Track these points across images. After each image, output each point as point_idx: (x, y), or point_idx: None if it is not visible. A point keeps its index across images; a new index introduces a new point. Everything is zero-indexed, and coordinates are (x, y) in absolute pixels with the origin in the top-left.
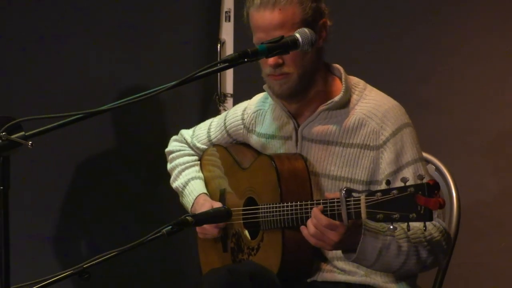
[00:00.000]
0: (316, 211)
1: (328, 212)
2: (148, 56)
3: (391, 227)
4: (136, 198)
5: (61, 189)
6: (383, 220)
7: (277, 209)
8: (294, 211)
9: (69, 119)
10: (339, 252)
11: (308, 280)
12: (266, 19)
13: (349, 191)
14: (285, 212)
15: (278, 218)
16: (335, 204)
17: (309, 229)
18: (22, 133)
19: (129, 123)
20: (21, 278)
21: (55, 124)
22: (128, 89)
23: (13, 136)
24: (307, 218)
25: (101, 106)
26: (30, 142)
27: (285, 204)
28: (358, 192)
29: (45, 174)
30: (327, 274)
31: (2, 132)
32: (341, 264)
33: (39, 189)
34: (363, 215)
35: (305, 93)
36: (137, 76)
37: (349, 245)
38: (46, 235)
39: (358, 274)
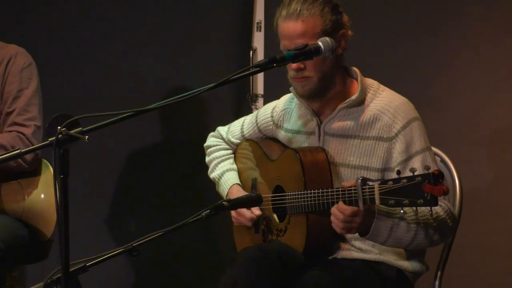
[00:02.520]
0: (336, 206)
1: (346, 199)
2: (189, 61)
3: (402, 211)
4: (179, 186)
5: (113, 178)
6: (394, 205)
7: (302, 196)
8: (316, 198)
9: (120, 116)
10: (356, 234)
11: (329, 258)
12: (290, 28)
13: (364, 180)
14: (309, 199)
15: (303, 203)
16: (352, 191)
17: (337, 225)
18: (80, 128)
19: (172, 121)
20: (78, 255)
21: (108, 120)
22: (171, 90)
23: (72, 131)
24: (328, 203)
25: (148, 105)
26: (87, 137)
27: (308, 191)
28: (372, 181)
29: (100, 165)
30: (346, 252)
31: (62, 128)
32: (358, 243)
33: (94, 177)
34: (377, 201)
35: (325, 94)
36: (179, 79)
37: (365, 227)
38: (100, 217)
39: (373, 252)
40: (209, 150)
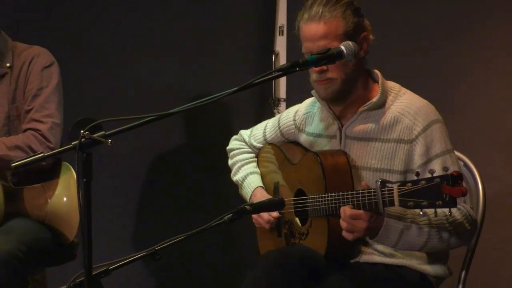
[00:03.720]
0: (342, 208)
1: (366, 201)
2: (211, 65)
3: (421, 212)
4: (201, 190)
5: (135, 181)
6: (413, 207)
7: (323, 199)
8: (337, 201)
9: (143, 120)
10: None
11: (352, 261)
12: (312, 30)
13: (383, 182)
14: (329, 202)
15: (324, 207)
16: (372, 194)
17: (342, 226)
18: (103, 132)
19: (195, 124)
20: (101, 258)
21: (131, 124)
22: (193, 94)
23: (95, 135)
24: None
25: (171, 109)
26: (110, 140)
27: (329, 194)
28: (391, 182)
29: (122, 168)
30: (368, 256)
31: (85, 132)
32: (380, 247)
33: (117, 180)
34: (396, 203)
35: (347, 97)
36: (201, 83)
37: (376, 230)
38: (122, 220)
39: (396, 257)
40: (232, 153)
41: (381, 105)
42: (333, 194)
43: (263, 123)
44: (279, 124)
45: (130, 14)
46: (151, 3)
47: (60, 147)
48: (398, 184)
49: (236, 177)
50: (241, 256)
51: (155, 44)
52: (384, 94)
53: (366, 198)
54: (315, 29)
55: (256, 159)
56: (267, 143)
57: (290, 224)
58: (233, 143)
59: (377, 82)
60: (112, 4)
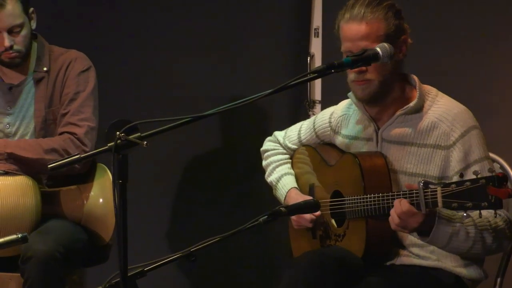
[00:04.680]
0: (399, 200)
1: (409, 203)
2: (246, 67)
3: (465, 214)
4: (236, 191)
5: (171, 183)
6: (457, 208)
7: (362, 200)
8: (376, 202)
9: (179, 122)
10: (414, 239)
11: (388, 264)
12: (353, 30)
13: (426, 183)
14: (369, 203)
15: (362, 208)
16: (414, 194)
17: (392, 217)
18: (138, 134)
19: (229, 126)
20: (136, 259)
21: (167, 126)
22: (228, 96)
23: (130, 137)
24: (388, 208)
25: (205, 111)
26: (145, 142)
27: (368, 196)
28: (434, 184)
29: (158, 170)
30: (404, 258)
31: (121, 133)
32: (416, 250)
33: (153, 182)
34: (440, 204)
35: (384, 99)
36: (236, 85)
37: (423, 229)
38: (157, 222)
39: (431, 259)
40: (266, 154)
41: (418, 109)
42: (373, 195)
43: (298, 125)
44: (314, 126)
45: (166, 16)
46: (187, 5)
47: (96, 149)
48: (442, 185)
49: (271, 178)
50: (273, 257)
51: (191, 46)
52: (422, 99)
53: (408, 198)
54: (357, 29)
55: (290, 160)
56: (302, 144)
57: (325, 225)
58: (267, 144)
59: (414, 87)
60: (149, 6)
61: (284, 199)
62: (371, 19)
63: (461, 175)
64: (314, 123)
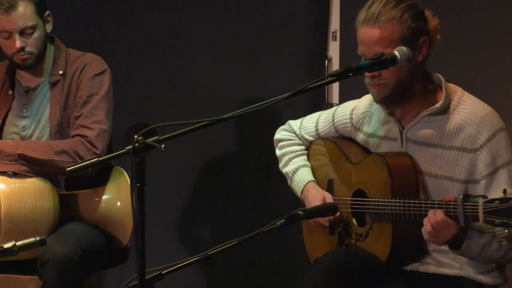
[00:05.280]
0: (434, 210)
1: (444, 213)
2: (263, 70)
3: (506, 231)
4: (252, 194)
5: (188, 186)
6: (500, 225)
7: (390, 203)
8: (407, 208)
9: (197, 125)
10: (437, 246)
11: (410, 269)
12: (366, 35)
13: (466, 196)
14: (398, 208)
15: (390, 212)
16: (451, 206)
17: (425, 227)
18: (156, 137)
19: (246, 129)
20: (154, 262)
21: (185, 129)
22: (246, 99)
23: (148, 140)
24: (420, 216)
25: (222, 114)
26: (163, 145)
27: (398, 200)
28: (474, 197)
29: (175, 172)
30: (426, 265)
31: (139, 137)
32: (439, 257)
33: (170, 185)
34: (481, 219)
35: (404, 100)
36: (253, 88)
37: (455, 240)
38: (174, 225)
39: (454, 267)
40: (281, 144)
41: (444, 110)
42: (403, 200)
43: (315, 115)
44: (333, 119)
45: (184, 18)
46: (205, 7)
47: (113, 152)
48: (484, 200)
49: (286, 169)
50: (288, 257)
51: (208, 49)
52: (447, 99)
53: (444, 210)
54: (370, 33)
55: (306, 152)
56: (319, 137)
57: (346, 223)
58: (282, 133)
59: (438, 86)
60: (166, 9)
61: (301, 192)
62: (384, 23)
63: (504, 191)
64: (333, 116)
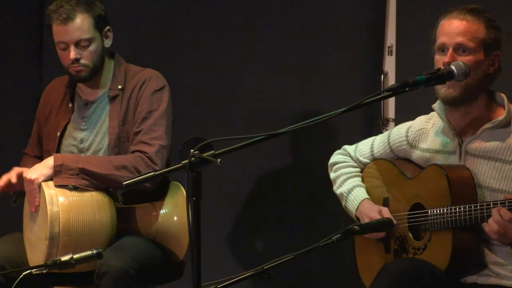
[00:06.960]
0: (498, 208)
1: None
2: (319, 85)
3: None
4: (306, 209)
5: (242, 200)
6: None
7: (450, 211)
8: (468, 212)
9: (252, 140)
10: (496, 258)
11: (469, 282)
12: (453, 24)
13: None
14: (458, 214)
15: (450, 219)
16: None
17: (491, 226)
18: (212, 152)
19: (301, 144)
20: (209, 276)
21: (240, 144)
22: (301, 114)
23: (204, 154)
24: (482, 218)
25: (277, 129)
26: (219, 160)
27: (457, 206)
28: None
29: (230, 188)
30: (485, 278)
31: (195, 151)
32: (496, 269)
33: (225, 199)
34: None
35: (467, 106)
36: (308, 103)
37: None
38: (230, 239)
39: None
40: (335, 167)
41: (506, 125)
42: (463, 205)
43: (370, 139)
44: (389, 140)
45: (241, 32)
46: (262, 23)
47: (169, 166)
48: None
49: (341, 189)
50: (339, 275)
51: (263, 64)
52: (509, 114)
53: (507, 207)
54: (457, 24)
55: (361, 173)
56: (374, 158)
57: (401, 239)
58: (337, 157)
59: (500, 104)
60: (223, 25)
61: (356, 210)
62: (473, 20)
63: None
64: (389, 137)
